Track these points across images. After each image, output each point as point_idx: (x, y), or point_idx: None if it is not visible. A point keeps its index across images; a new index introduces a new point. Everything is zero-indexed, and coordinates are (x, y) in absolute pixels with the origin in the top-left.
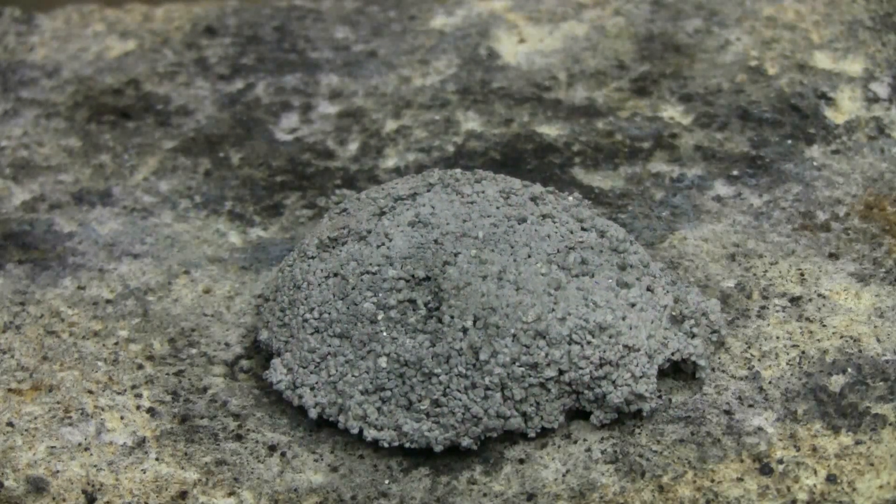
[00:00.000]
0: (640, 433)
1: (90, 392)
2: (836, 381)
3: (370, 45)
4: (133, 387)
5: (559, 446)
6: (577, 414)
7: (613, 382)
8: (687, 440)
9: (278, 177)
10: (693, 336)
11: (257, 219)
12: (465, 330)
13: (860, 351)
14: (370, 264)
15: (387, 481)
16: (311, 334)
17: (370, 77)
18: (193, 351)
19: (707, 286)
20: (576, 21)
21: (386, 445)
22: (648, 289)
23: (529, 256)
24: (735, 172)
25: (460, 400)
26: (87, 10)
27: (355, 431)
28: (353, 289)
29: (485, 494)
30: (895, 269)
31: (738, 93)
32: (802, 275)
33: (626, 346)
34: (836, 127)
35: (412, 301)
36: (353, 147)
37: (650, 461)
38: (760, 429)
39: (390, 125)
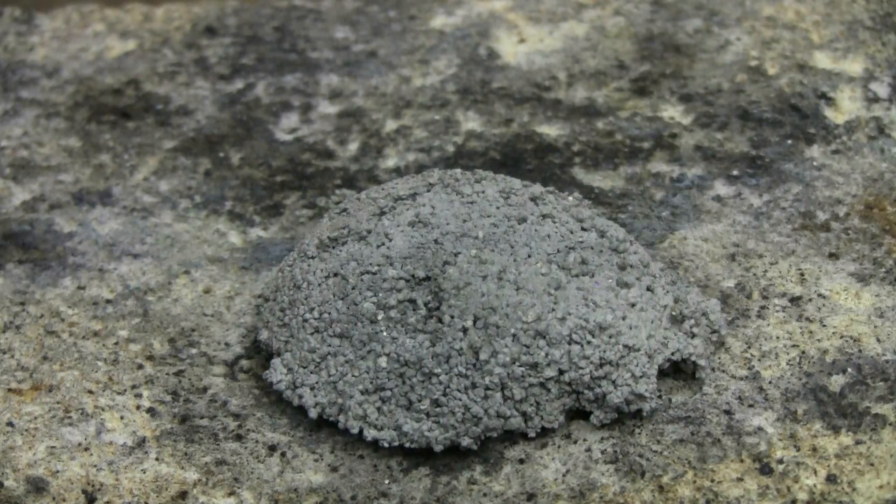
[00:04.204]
0: (640, 433)
1: (90, 392)
2: (836, 381)
3: (370, 45)
4: (133, 387)
5: (559, 446)
6: (577, 414)
7: (613, 382)
8: (687, 440)
9: (278, 177)
10: (693, 336)
11: (257, 219)
12: (465, 330)
13: (860, 351)
14: (370, 264)
15: (387, 481)
16: (311, 334)
17: (370, 77)
18: (193, 351)
19: (707, 286)
20: (576, 21)
21: (386, 445)
22: (648, 289)
23: (529, 256)
24: (735, 172)
25: (460, 400)
26: (87, 10)
27: (355, 431)
28: (353, 289)
29: (485, 494)
30: (895, 269)
31: (738, 93)
32: (802, 275)
33: (626, 346)
34: (836, 127)
35: (412, 301)
36: (353, 147)
37: (650, 461)
38: (760, 429)
39: (390, 125)
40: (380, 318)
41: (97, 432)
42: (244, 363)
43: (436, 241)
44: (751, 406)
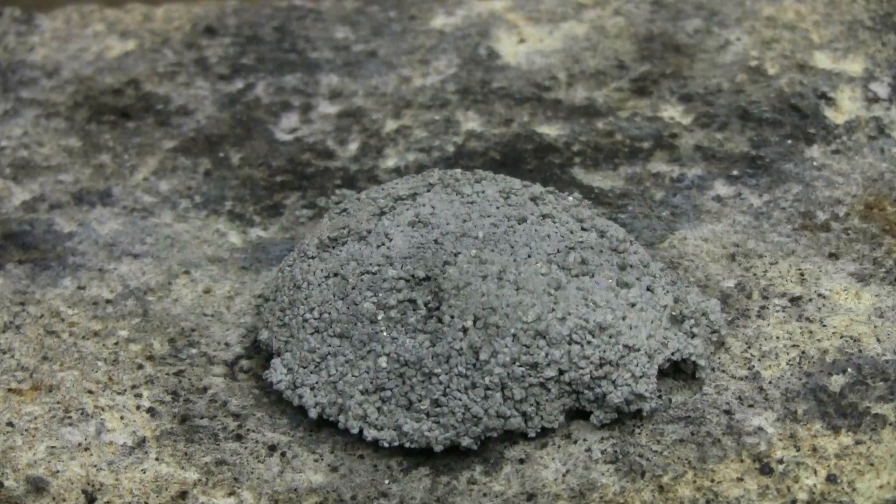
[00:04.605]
0: (640, 433)
1: (90, 392)
2: (836, 381)
3: (370, 45)
4: (133, 387)
5: (559, 446)
6: (577, 414)
7: (613, 382)
8: (687, 440)
9: (278, 177)
10: (693, 336)
11: (257, 219)
12: (465, 330)
13: (860, 351)
14: (370, 264)
15: (387, 481)
16: (311, 334)
17: (370, 77)
18: (193, 351)
19: (707, 286)
20: (576, 21)
21: (386, 445)
22: (648, 289)
23: (529, 256)
24: (735, 172)
25: (460, 400)
26: (87, 10)
27: (355, 431)
28: (353, 289)
29: (485, 494)
30: (895, 269)
31: (738, 93)
32: (802, 275)
33: (626, 346)
34: (836, 127)
35: (412, 301)
36: (353, 147)
37: (650, 461)
38: (760, 429)
39: (390, 125)
40: (380, 318)
41: (97, 432)
42: (244, 363)
43: (436, 241)
44: (751, 406)
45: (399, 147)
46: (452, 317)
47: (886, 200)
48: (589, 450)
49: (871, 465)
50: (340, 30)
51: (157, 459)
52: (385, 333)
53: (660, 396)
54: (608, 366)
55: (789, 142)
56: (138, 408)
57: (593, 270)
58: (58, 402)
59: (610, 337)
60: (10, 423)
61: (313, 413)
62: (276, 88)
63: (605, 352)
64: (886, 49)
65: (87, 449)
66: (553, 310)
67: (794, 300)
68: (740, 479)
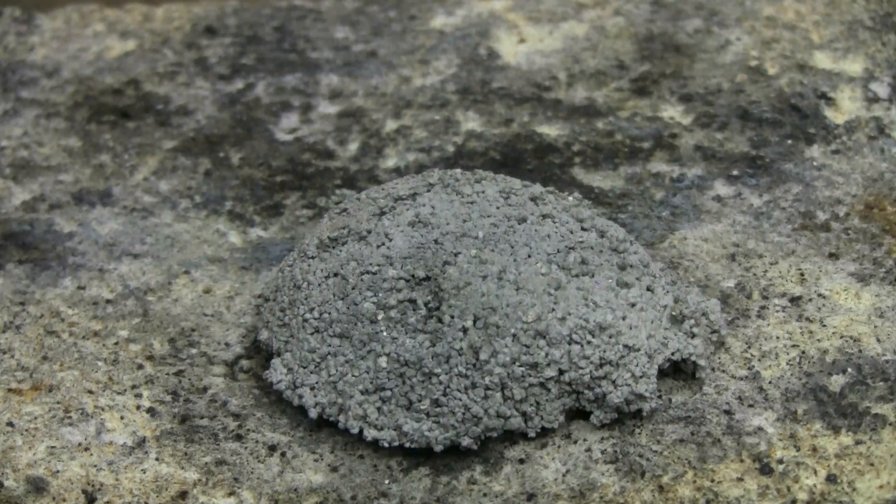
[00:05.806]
0: (640, 433)
1: (90, 392)
2: (836, 381)
3: (370, 45)
4: (133, 387)
5: (559, 446)
6: (577, 414)
7: (613, 382)
8: (687, 440)
9: (278, 177)
10: (693, 336)
11: (257, 219)
12: (465, 330)
13: (860, 351)
14: (370, 264)
15: (387, 481)
16: (311, 334)
17: (370, 77)
18: (193, 351)
19: (707, 286)
20: (576, 21)
21: (386, 445)
22: (648, 289)
23: (529, 256)
24: (735, 172)
25: (460, 400)
26: (87, 10)
27: (355, 431)
28: (353, 289)
29: (485, 494)
30: (895, 269)
31: (738, 93)
32: (802, 275)
33: (626, 346)
34: (836, 127)
35: (412, 301)
36: (353, 147)
37: (650, 461)
38: (760, 429)
39: (390, 125)
40: (380, 318)
41: (97, 432)
42: (244, 363)
43: (436, 241)
44: (751, 406)
45: (399, 147)
46: (452, 317)
47: (886, 200)
48: (589, 450)
49: (871, 465)
50: (340, 30)
51: (157, 459)
52: (385, 333)
53: (660, 396)
54: (608, 366)
55: (789, 142)
56: (138, 408)
57: (593, 270)
58: (58, 402)
59: (610, 337)
60: (10, 423)
61: (313, 413)
62: (276, 88)
63: (605, 352)
64: (886, 49)
65: (87, 449)
66: (553, 310)
67: (794, 300)
68: (740, 479)
